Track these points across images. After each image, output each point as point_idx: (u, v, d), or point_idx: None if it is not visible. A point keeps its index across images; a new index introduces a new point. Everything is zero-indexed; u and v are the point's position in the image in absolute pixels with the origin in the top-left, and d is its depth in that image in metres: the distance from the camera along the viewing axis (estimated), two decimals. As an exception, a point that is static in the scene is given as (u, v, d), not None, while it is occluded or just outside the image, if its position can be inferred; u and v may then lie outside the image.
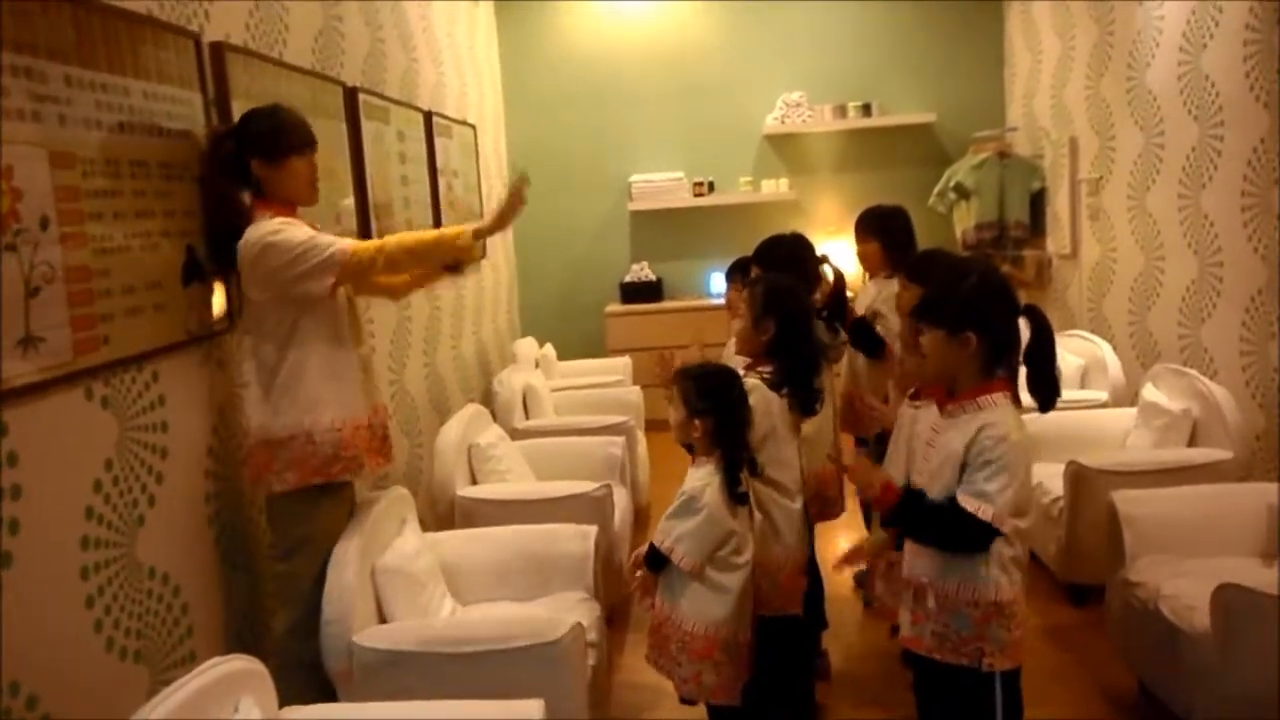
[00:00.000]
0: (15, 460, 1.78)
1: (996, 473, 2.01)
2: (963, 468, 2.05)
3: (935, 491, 2.11)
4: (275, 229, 2.40)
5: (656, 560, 2.51)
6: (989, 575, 2.08)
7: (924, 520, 2.14)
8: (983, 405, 2.08)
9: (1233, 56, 3.81)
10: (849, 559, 2.55)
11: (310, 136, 2.56)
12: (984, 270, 2.17)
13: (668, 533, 2.48)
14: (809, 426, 2.94)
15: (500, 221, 2.63)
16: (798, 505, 2.77)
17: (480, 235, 2.59)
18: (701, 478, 2.50)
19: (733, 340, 2.99)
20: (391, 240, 2.54)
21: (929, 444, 2.18)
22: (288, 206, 2.52)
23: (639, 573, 2.57)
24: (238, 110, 2.66)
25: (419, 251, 2.59)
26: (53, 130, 1.92)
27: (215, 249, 2.48)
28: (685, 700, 2.59)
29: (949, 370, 2.14)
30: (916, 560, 2.20)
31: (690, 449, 2.60)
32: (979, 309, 2.08)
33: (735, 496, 2.50)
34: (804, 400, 2.75)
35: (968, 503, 2.02)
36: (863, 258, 3.78)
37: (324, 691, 2.52)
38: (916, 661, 2.26)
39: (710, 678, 2.47)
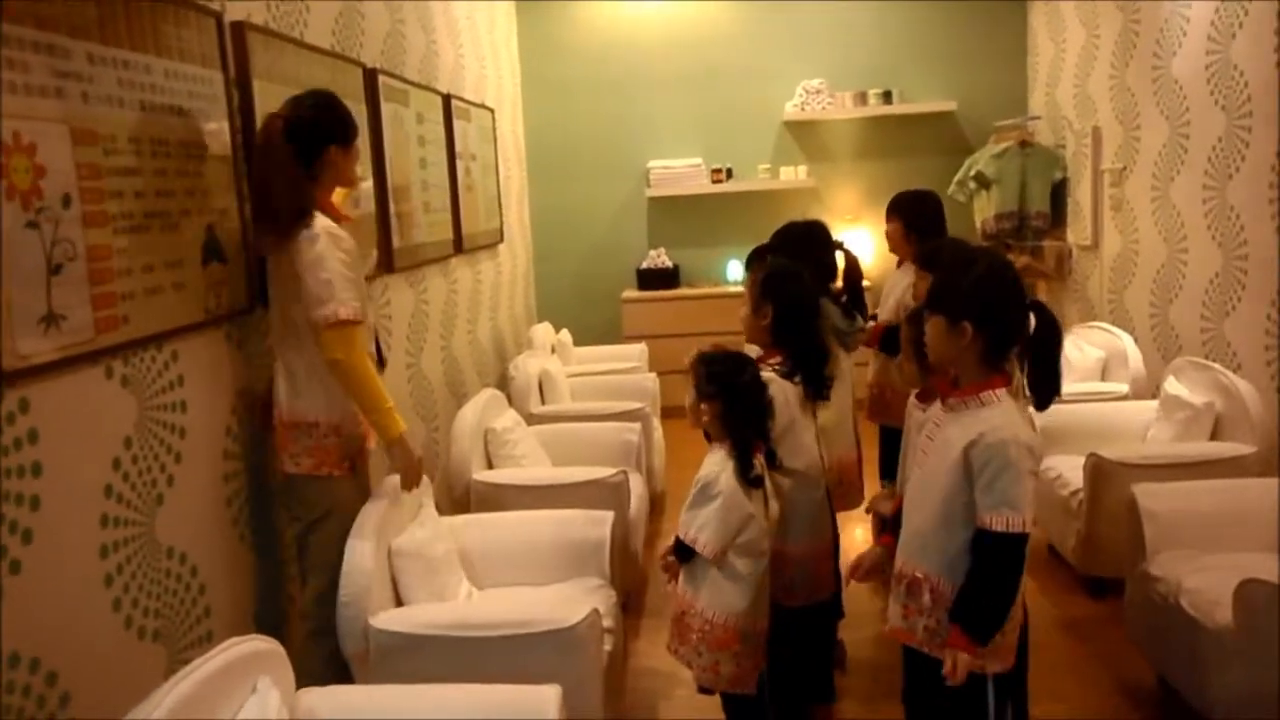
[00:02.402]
0: (36, 437, 1.78)
1: (1016, 478, 1.95)
2: (967, 471, 1.98)
3: (929, 489, 2.06)
4: (337, 237, 2.42)
5: (685, 552, 2.52)
6: None
7: (984, 599, 1.98)
8: (985, 402, 2.02)
9: (1262, 46, 3.76)
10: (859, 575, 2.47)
11: None
12: (991, 262, 2.11)
13: (689, 524, 2.48)
14: (830, 416, 2.91)
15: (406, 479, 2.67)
16: (820, 493, 2.75)
17: (398, 442, 2.56)
18: (716, 463, 2.50)
19: (749, 328, 2.98)
20: (364, 366, 2.46)
21: (928, 437, 2.15)
22: (331, 193, 2.58)
23: (669, 557, 2.57)
24: (259, 90, 2.66)
25: (367, 390, 2.48)
26: (75, 107, 1.91)
27: (277, 227, 2.44)
28: (703, 689, 2.58)
29: (949, 360, 2.09)
30: (913, 554, 2.11)
31: (708, 435, 2.59)
32: (978, 300, 2.03)
33: (750, 481, 2.48)
34: (814, 385, 2.73)
35: (997, 520, 1.95)
36: (899, 240, 3.73)
37: None
38: (908, 653, 2.19)
39: (728, 667, 2.47)
